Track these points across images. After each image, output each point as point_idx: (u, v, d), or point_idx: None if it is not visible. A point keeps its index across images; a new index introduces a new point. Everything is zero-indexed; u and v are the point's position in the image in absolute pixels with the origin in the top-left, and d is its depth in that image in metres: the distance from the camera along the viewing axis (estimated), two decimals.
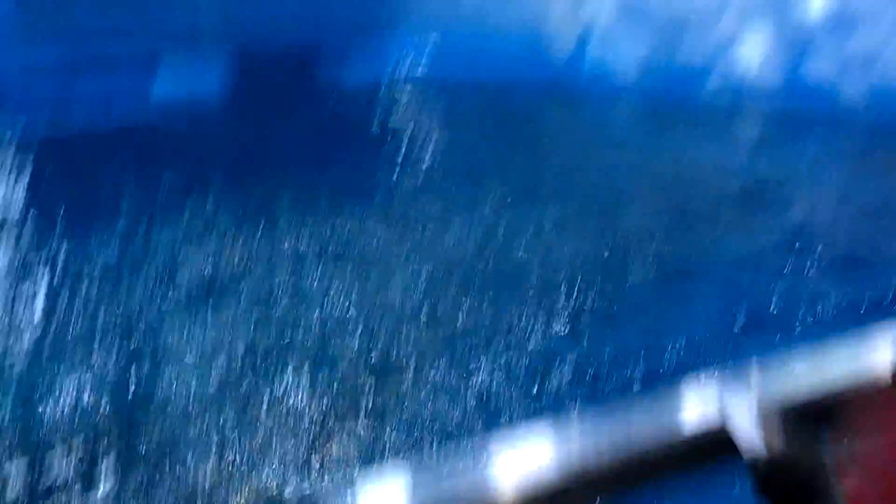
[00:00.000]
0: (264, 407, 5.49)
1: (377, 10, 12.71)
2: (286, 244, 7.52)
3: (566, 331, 6.19)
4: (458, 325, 6.28)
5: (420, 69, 12.13)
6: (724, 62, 10.57)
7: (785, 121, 9.84)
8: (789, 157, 9.07)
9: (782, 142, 9.42)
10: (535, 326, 6.20)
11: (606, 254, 7.18)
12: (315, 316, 6.44)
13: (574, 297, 6.56)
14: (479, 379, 5.69)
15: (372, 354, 5.98)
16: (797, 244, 7.24)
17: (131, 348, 6.08)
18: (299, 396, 5.57)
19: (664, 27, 10.97)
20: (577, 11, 11.82)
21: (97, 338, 6.16)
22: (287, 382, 5.70)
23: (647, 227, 7.66)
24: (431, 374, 5.75)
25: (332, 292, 6.74)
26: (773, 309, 6.31)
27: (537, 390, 5.58)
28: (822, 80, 9.94)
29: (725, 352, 5.72)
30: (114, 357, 5.96)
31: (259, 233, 7.70)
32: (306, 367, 5.81)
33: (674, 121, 10.33)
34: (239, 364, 5.89)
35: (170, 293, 6.77)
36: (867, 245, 7.21)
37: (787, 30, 10.21)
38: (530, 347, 6.00)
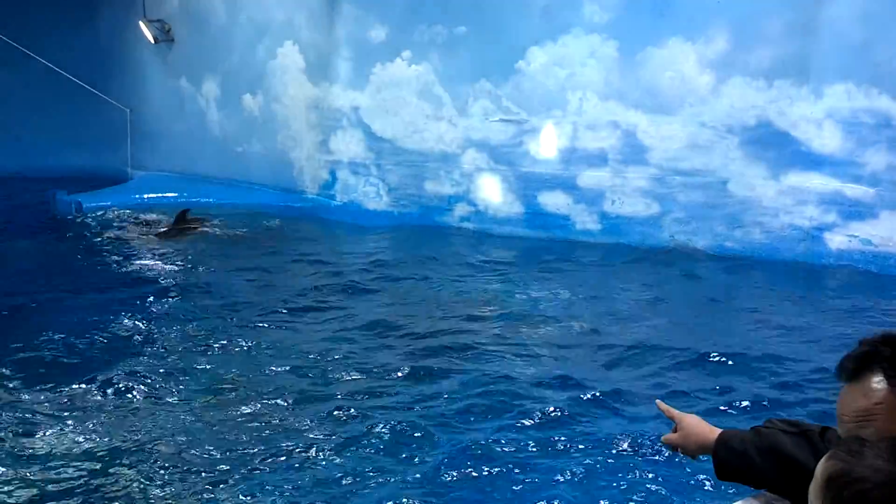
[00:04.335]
0: None
1: None
2: None
3: None
4: None
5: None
6: (469, 193, 11.08)
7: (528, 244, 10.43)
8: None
9: (526, 261, 9.87)
10: None
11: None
12: None
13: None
14: None
15: None
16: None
17: None
18: None
19: (413, 161, 11.40)
20: (328, 146, 12.05)
21: None
22: None
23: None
24: None
25: None
26: None
27: None
28: (557, 211, 10.64)
29: None
30: None
31: None
32: None
33: (425, 239, 10.69)
34: None
35: None
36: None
37: (522, 169, 10.90)
38: None
